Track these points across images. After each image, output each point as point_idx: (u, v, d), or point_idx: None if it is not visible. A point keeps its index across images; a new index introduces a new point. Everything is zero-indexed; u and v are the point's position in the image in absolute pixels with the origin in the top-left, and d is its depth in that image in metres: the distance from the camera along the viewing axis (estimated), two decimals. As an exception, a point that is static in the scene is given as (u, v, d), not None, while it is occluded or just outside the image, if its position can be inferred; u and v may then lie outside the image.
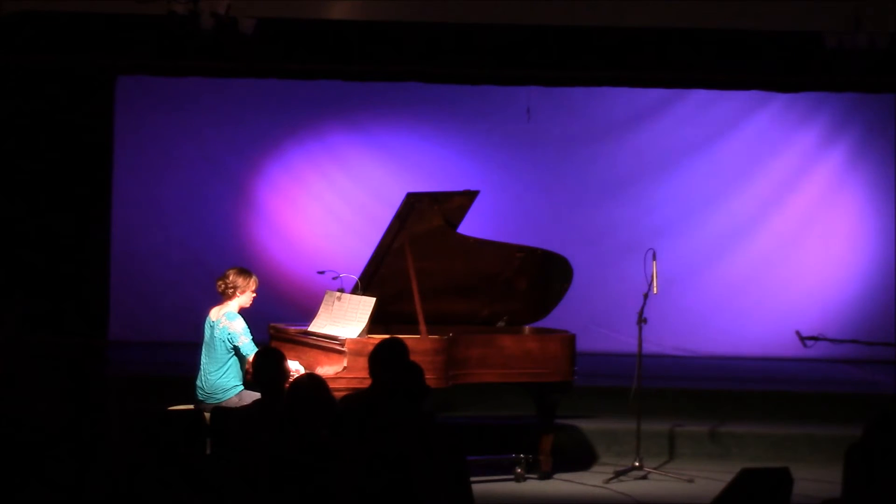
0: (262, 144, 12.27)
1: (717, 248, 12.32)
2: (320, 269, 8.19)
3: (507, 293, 8.44)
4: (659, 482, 8.40)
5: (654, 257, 8.57)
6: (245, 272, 7.72)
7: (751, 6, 10.20)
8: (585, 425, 9.18)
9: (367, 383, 6.55)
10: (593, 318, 11.71)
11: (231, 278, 7.66)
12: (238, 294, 7.64)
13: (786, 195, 12.32)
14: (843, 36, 9.88)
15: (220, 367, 7.53)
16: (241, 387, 7.59)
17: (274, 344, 7.73)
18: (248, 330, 7.55)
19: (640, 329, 8.55)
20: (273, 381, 6.18)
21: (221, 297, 7.67)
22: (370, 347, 6.54)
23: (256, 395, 6.94)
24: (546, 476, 8.30)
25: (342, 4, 10.35)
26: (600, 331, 11.75)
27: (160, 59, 10.63)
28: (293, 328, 8.09)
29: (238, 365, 7.58)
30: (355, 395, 6.38)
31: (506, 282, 8.38)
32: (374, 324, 7.63)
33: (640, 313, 8.53)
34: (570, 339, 8.22)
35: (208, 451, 5.92)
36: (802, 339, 8.14)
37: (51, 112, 11.28)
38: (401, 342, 6.45)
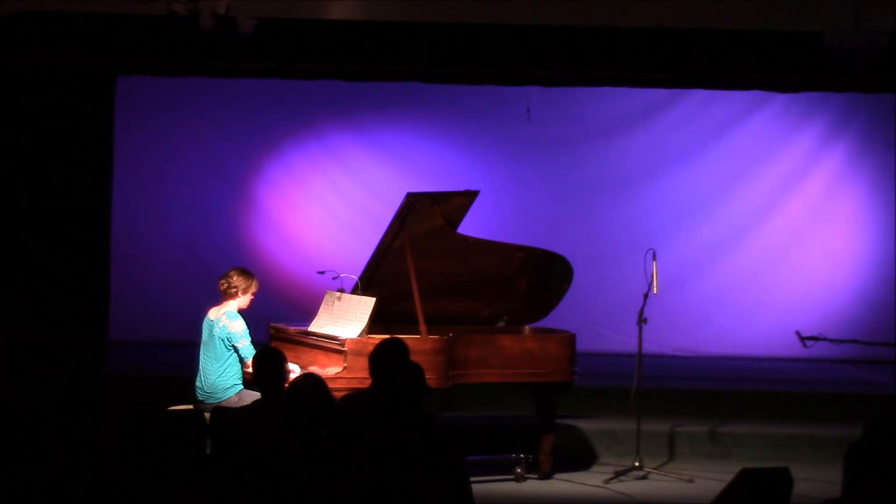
0: (262, 144, 12.27)
1: (717, 248, 12.32)
2: (320, 269, 8.20)
3: (507, 293, 8.44)
4: (659, 482, 8.40)
5: (654, 257, 8.58)
6: (247, 274, 7.73)
7: (751, 6, 10.19)
8: (585, 425, 9.18)
9: (367, 383, 6.56)
10: (593, 318, 11.70)
11: (234, 279, 7.67)
12: (239, 295, 7.65)
13: (786, 195, 12.32)
14: (843, 36, 9.88)
15: (220, 367, 7.54)
16: (241, 386, 7.60)
17: (274, 344, 7.73)
18: (248, 332, 7.56)
19: (640, 329, 8.56)
20: (273, 381, 6.18)
21: (222, 297, 7.69)
22: (370, 347, 6.55)
23: (256, 395, 6.95)
24: (546, 476, 8.31)
25: (342, 4, 10.34)
26: (600, 331, 11.74)
27: (160, 59, 10.62)
28: (293, 328, 8.09)
29: (237, 364, 7.59)
30: (355, 395, 6.37)
31: (506, 282, 8.38)
32: (374, 324, 7.63)
33: (640, 313, 8.53)
34: (570, 339, 8.22)
35: (208, 451, 5.92)
36: (802, 339, 8.14)
37: (51, 112, 11.27)
38: (401, 342, 6.46)
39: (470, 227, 8.19)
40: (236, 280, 7.67)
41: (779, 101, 12.09)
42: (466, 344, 7.82)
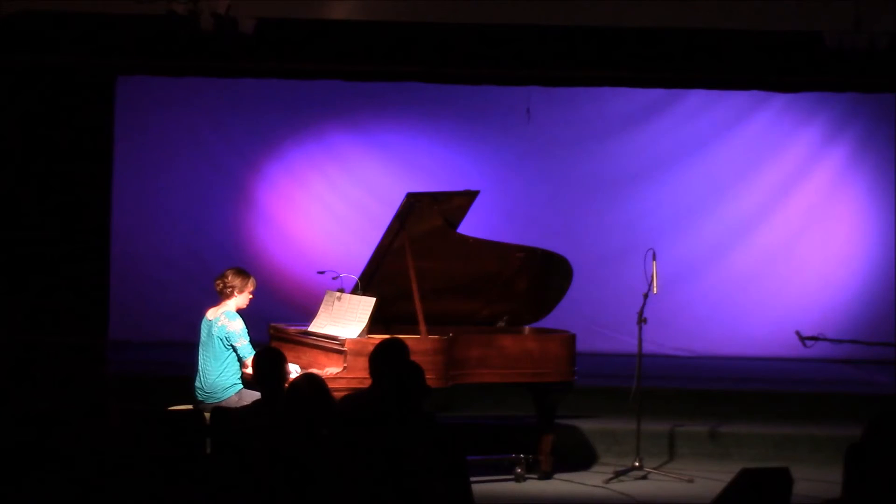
0: (262, 144, 12.27)
1: (717, 248, 12.32)
2: (320, 269, 8.20)
3: (507, 293, 8.44)
4: (659, 482, 8.40)
5: (654, 257, 8.58)
6: (243, 273, 7.73)
7: (751, 6, 10.19)
8: (585, 425, 9.18)
9: (367, 383, 6.55)
10: (593, 318, 11.70)
11: (230, 279, 7.67)
12: (236, 294, 7.65)
13: (786, 195, 12.31)
14: (843, 36, 9.88)
15: (219, 366, 7.54)
16: (240, 385, 7.60)
17: (274, 344, 7.73)
18: (247, 332, 7.55)
19: (640, 329, 8.55)
20: (273, 381, 6.18)
21: (219, 297, 7.69)
22: (370, 347, 6.54)
23: (256, 395, 6.95)
24: (546, 476, 8.30)
25: (342, 4, 10.34)
26: (600, 331, 11.75)
27: (160, 59, 10.62)
28: (293, 328, 8.09)
29: (237, 363, 7.59)
30: (355, 395, 6.38)
31: (506, 282, 8.38)
32: (374, 324, 7.63)
33: (640, 313, 8.53)
34: (570, 339, 8.22)
35: (208, 451, 5.92)
36: (802, 339, 8.14)
37: (51, 112, 11.26)
38: (401, 342, 6.45)
39: (470, 227, 8.19)
40: (232, 279, 7.67)
41: (779, 101, 12.09)
42: (466, 344, 7.82)
